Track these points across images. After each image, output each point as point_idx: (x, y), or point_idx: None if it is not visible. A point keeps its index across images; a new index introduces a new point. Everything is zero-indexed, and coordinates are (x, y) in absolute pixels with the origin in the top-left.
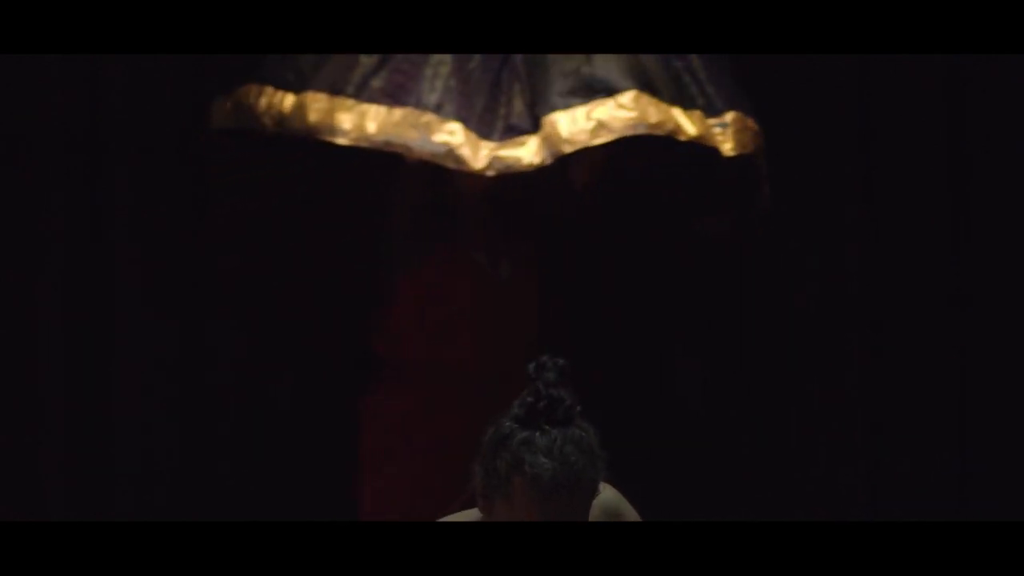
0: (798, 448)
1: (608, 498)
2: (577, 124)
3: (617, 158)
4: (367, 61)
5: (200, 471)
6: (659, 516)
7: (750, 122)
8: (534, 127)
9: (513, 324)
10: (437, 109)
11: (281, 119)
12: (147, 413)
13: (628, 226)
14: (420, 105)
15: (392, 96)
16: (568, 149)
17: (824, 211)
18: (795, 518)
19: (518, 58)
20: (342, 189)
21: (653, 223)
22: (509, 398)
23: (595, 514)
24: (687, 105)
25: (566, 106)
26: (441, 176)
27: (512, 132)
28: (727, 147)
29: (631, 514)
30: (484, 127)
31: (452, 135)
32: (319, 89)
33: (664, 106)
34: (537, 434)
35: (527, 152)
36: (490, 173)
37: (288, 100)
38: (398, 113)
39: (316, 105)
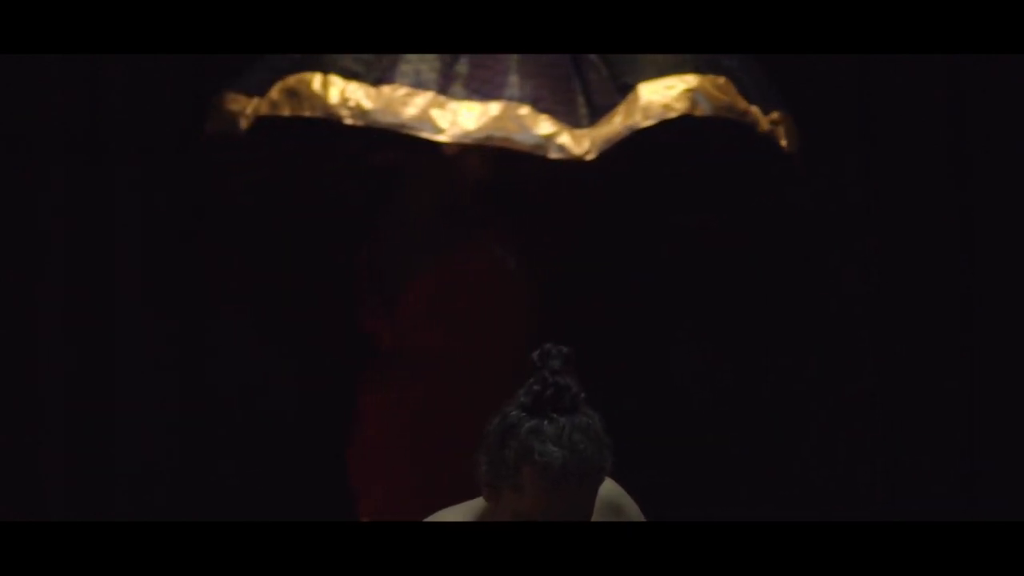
0: (816, 446)
1: (608, 492)
2: (672, 91)
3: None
4: (437, 58)
5: (200, 471)
6: (661, 511)
7: (791, 120)
8: (620, 97)
9: (518, 315)
10: (534, 102)
11: (362, 112)
12: (147, 413)
13: (635, 217)
14: (513, 99)
15: (480, 92)
16: (665, 115)
17: (840, 206)
18: (809, 516)
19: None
20: (343, 187)
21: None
22: (513, 390)
23: (596, 508)
24: (751, 101)
25: (659, 74)
26: (450, 175)
27: (599, 112)
28: (784, 143)
29: (631, 507)
30: (571, 116)
31: (550, 125)
32: (402, 83)
33: (742, 98)
34: (545, 423)
35: (619, 122)
36: (591, 157)
37: (368, 93)
38: (495, 107)
39: (414, 100)
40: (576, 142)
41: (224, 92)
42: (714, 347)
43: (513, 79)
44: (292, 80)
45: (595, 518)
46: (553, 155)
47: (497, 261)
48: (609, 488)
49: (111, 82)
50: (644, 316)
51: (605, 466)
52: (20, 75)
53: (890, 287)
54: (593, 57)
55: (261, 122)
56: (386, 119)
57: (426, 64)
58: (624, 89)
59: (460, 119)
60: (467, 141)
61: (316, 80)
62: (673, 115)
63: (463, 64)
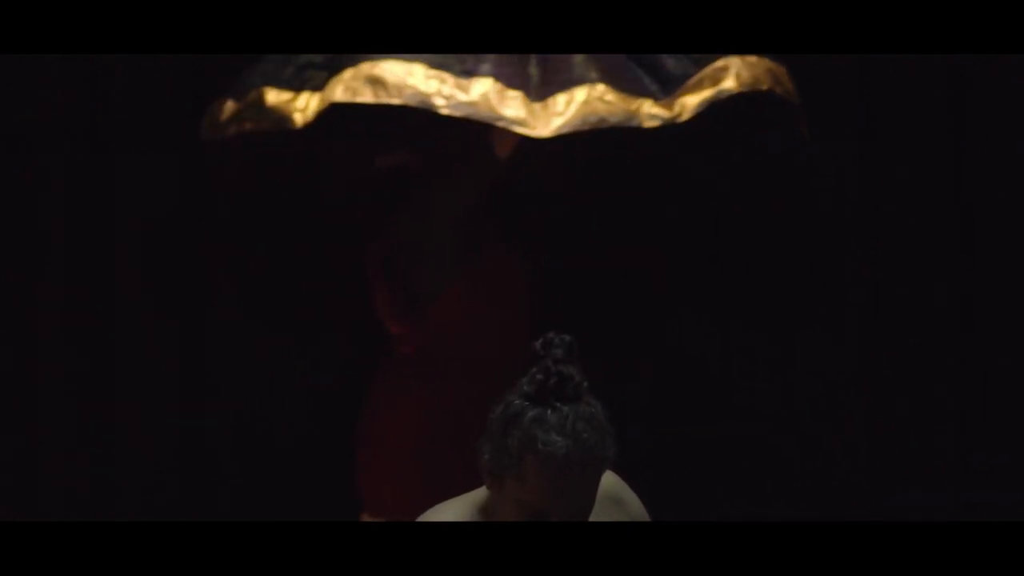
0: (812, 439)
1: (609, 484)
2: (757, 67)
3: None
4: (514, 56)
5: (200, 472)
6: (660, 504)
7: (756, 59)
8: (697, 68)
9: (528, 314)
10: (608, 83)
11: (458, 104)
12: (148, 413)
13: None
14: (590, 82)
15: (558, 83)
16: (756, 86)
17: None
18: (808, 514)
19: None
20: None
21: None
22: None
23: (597, 501)
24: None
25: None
26: (471, 177)
27: (674, 83)
28: (729, 84)
29: (633, 500)
30: (644, 91)
31: (632, 100)
32: (496, 78)
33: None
34: (548, 412)
35: (708, 87)
36: (685, 118)
37: (460, 84)
38: (580, 93)
39: (508, 95)
40: (666, 108)
41: (262, 89)
42: (716, 340)
43: (579, 68)
44: (367, 67)
45: (596, 510)
46: (648, 124)
47: (517, 264)
48: (610, 481)
49: (111, 82)
50: (646, 306)
51: (608, 455)
52: (20, 75)
53: (890, 287)
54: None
55: (328, 113)
56: (484, 113)
57: (505, 62)
58: (702, 62)
59: (550, 113)
60: (566, 131)
61: (399, 67)
62: (763, 88)
63: (533, 62)
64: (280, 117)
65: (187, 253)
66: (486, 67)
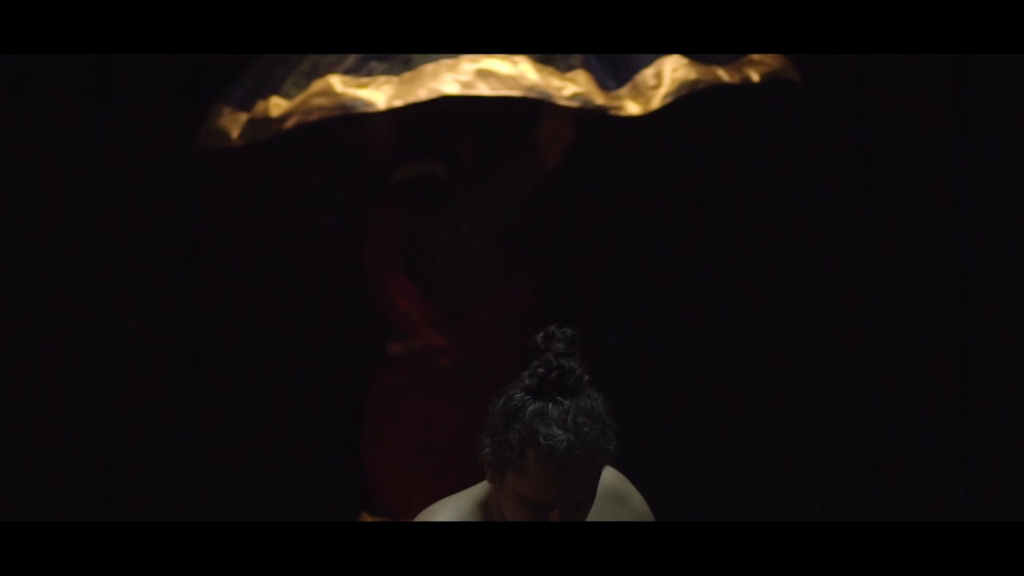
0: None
1: (611, 480)
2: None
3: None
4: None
5: (200, 471)
6: (660, 499)
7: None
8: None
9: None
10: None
11: (577, 96)
12: (148, 413)
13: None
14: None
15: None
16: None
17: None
18: (806, 511)
19: None
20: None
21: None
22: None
23: (598, 497)
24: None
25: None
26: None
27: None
28: (776, 65)
29: (635, 496)
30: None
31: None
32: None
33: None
34: (550, 405)
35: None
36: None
37: (576, 78)
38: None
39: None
40: (735, 73)
41: (328, 78)
42: (714, 339)
43: (637, 55)
44: (468, 61)
45: (598, 506)
46: (732, 80)
47: (534, 275)
48: (612, 476)
49: (112, 82)
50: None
51: (609, 449)
52: (20, 75)
53: (889, 285)
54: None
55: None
56: (595, 104)
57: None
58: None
59: (645, 89)
60: (670, 99)
61: (504, 62)
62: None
63: (589, 58)
64: (355, 103)
65: (186, 253)
66: (576, 60)
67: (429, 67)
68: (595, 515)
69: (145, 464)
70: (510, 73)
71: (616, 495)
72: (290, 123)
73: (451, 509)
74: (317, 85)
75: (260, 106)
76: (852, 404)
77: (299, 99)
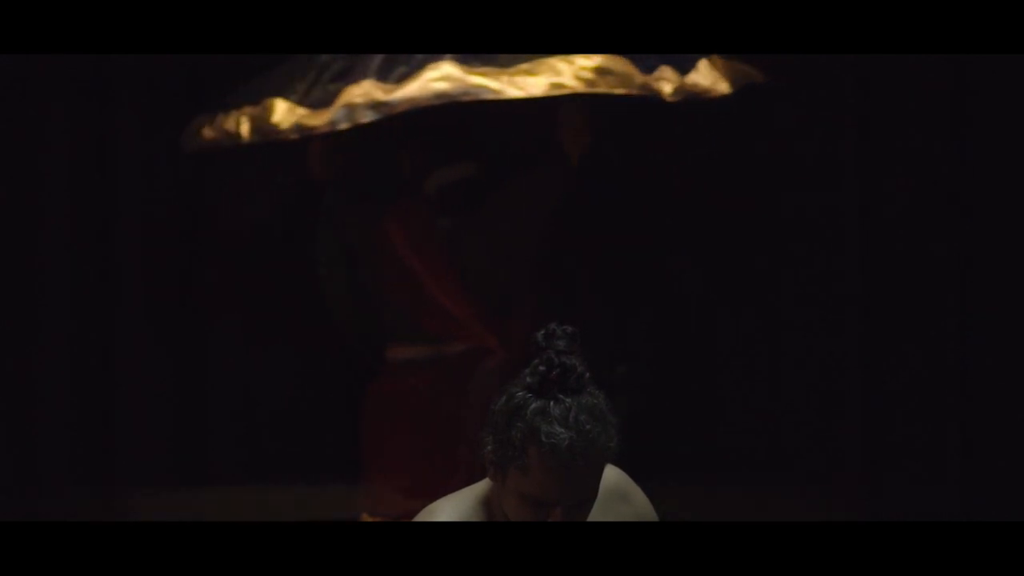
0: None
1: (614, 479)
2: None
3: None
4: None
5: (199, 471)
6: (664, 498)
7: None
8: None
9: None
10: None
11: (682, 89)
12: (147, 413)
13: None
14: None
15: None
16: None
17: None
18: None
19: None
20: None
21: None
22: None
23: (601, 495)
24: None
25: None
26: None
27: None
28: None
29: (637, 494)
30: None
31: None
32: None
33: None
34: (551, 403)
35: None
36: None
37: (662, 75)
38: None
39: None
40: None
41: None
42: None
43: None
44: (583, 60)
45: (600, 504)
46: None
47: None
48: (615, 475)
49: (112, 82)
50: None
51: (611, 447)
52: (20, 75)
53: (887, 285)
54: None
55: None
56: (695, 95)
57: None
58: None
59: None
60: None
61: (610, 59)
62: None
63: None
64: (479, 90)
65: (185, 253)
66: (652, 60)
67: (545, 62)
68: (597, 514)
69: (145, 463)
70: (623, 71)
71: (619, 493)
72: (402, 108)
73: (453, 508)
74: (431, 71)
75: (347, 93)
76: (852, 403)
77: (413, 83)
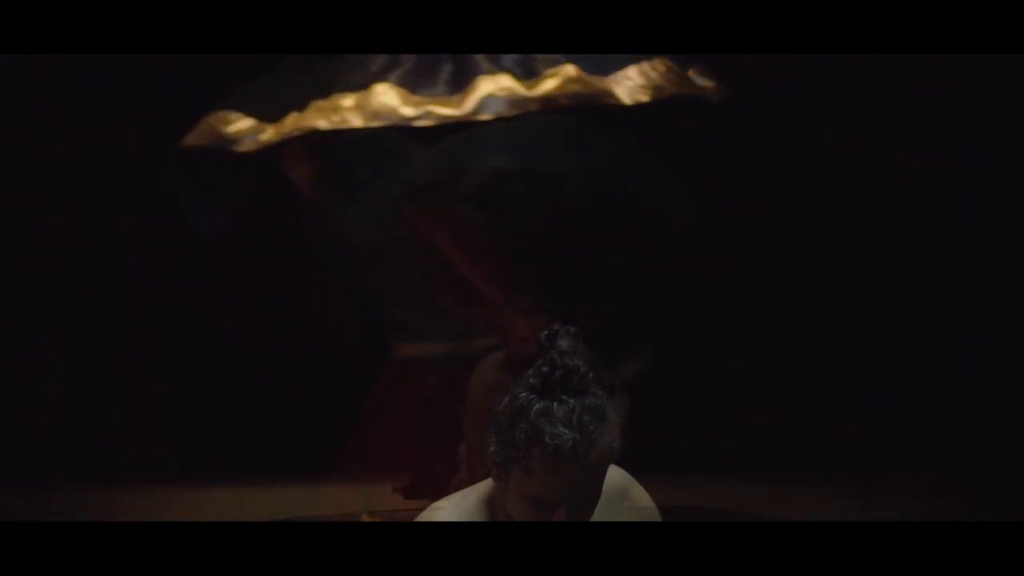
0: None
1: (617, 479)
2: None
3: None
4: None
5: (199, 471)
6: (666, 498)
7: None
8: None
9: None
10: None
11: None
12: (147, 412)
13: None
14: None
15: None
16: None
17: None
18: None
19: None
20: None
21: None
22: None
23: (604, 495)
24: None
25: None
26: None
27: None
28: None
29: (640, 494)
30: None
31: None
32: None
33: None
34: (555, 404)
35: None
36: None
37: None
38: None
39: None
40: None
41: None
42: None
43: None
44: (643, 66)
45: (604, 504)
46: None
47: None
48: (618, 475)
49: (112, 82)
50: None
51: (614, 447)
52: (20, 75)
53: (887, 285)
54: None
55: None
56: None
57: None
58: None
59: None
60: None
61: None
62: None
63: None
64: (603, 93)
65: (185, 253)
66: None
67: (633, 71)
68: (601, 514)
69: (145, 463)
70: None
71: (622, 494)
72: (536, 106)
73: (456, 507)
74: (563, 71)
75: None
76: (852, 403)
77: (549, 82)
